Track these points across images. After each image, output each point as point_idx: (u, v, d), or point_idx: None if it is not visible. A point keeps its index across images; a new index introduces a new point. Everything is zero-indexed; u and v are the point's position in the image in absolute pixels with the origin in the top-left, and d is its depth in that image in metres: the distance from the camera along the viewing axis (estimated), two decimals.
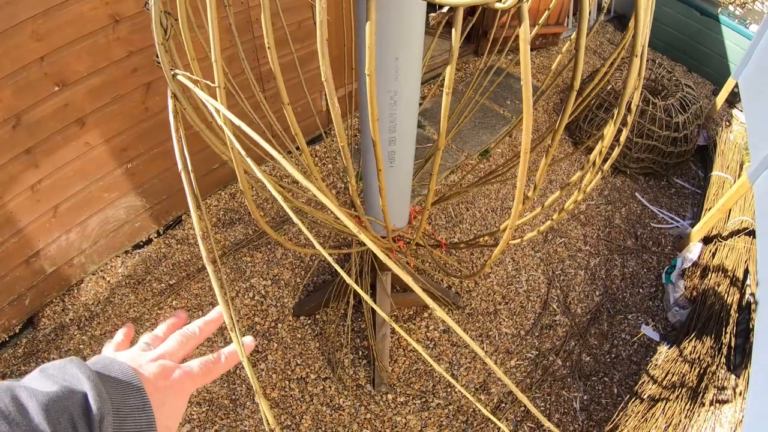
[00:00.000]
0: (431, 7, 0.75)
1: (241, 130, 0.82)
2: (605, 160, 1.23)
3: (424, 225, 1.22)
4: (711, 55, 5.26)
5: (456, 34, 0.70)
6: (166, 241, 3.31)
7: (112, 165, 2.81)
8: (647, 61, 4.31)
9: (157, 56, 1.09)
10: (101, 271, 3.13)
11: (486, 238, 1.66)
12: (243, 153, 0.80)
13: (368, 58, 0.71)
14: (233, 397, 2.69)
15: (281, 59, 3.15)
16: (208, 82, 0.92)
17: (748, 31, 4.84)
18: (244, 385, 2.72)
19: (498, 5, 0.68)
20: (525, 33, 0.69)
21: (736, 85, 4.13)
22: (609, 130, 1.09)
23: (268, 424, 0.75)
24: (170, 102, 1.02)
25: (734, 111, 4.93)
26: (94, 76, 2.48)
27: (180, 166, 0.91)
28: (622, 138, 1.24)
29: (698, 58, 5.42)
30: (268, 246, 3.31)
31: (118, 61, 2.53)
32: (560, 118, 0.91)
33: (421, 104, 4.09)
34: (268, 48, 0.79)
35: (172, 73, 1.04)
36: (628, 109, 1.23)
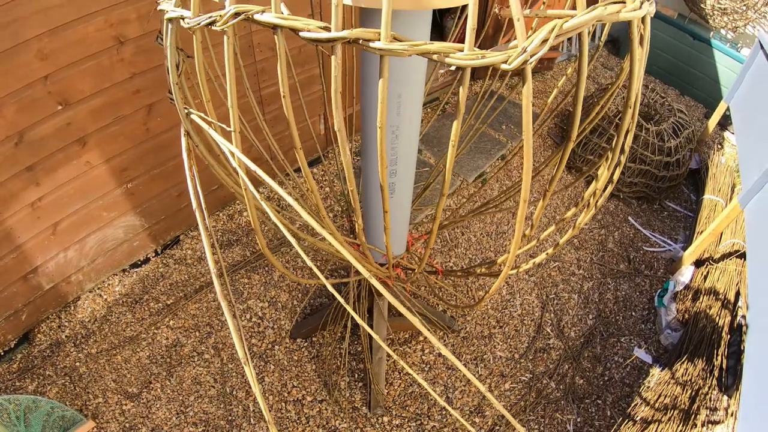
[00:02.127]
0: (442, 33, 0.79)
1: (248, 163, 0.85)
2: (599, 198, 1.27)
3: (426, 258, 1.25)
4: (703, 78, 5.34)
5: (463, 92, 0.74)
6: (164, 261, 3.32)
7: (112, 184, 2.84)
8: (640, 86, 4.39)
9: (171, 92, 1.13)
10: (98, 289, 3.14)
11: (482, 268, 1.69)
12: (258, 196, 0.83)
13: (380, 113, 0.75)
14: (229, 418, 2.70)
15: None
16: (223, 126, 0.95)
17: (739, 55, 4.93)
18: (240, 407, 2.73)
19: (504, 66, 0.72)
20: (528, 93, 0.73)
21: (728, 109, 4.19)
22: (603, 173, 1.13)
23: None
24: (183, 140, 1.05)
25: (726, 134, 5.00)
26: (96, 96, 2.52)
27: (194, 204, 0.95)
28: (616, 176, 1.28)
29: (690, 82, 5.51)
30: (266, 268, 3.33)
31: (120, 83, 2.57)
32: (557, 166, 0.95)
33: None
34: (283, 97, 0.83)
35: (186, 112, 1.08)
36: (622, 150, 1.28)
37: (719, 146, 4.84)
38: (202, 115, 1.02)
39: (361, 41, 0.69)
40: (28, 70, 2.23)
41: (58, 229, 2.74)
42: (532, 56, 0.70)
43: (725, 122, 4.92)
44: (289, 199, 0.72)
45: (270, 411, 2.72)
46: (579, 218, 1.22)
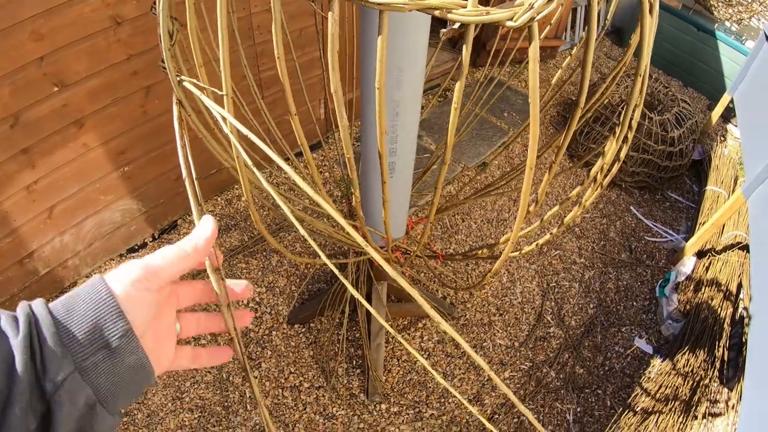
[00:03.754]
0: (441, 23, 0.75)
1: (245, 138, 0.82)
2: (606, 174, 1.24)
3: (425, 238, 1.22)
4: (707, 70, 5.30)
5: (467, 51, 0.71)
6: (161, 245, 3.27)
7: (109, 167, 2.80)
8: None
9: (163, 61, 1.09)
10: (95, 273, 3.10)
11: (483, 250, 1.66)
12: (249, 162, 0.80)
13: (379, 73, 0.71)
14: (226, 404, 2.67)
15: None
16: (215, 90, 0.91)
17: (744, 47, 4.88)
18: (237, 392, 2.71)
19: (509, 23, 0.69)
20: (534, 52, 0.70)
21: (732, 101, 4.16)
22: (611, 147, 1.09)
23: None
24: (175, 109, 1.02)
25: (729, 126, 4.96)
26: (93, 77, 2.47)
27: (184, 173, 0.91)
28: (623, 154, 1.25)
29: (694, 74, 5.47)
30: (264, 253, 3.30)
31: (117, 64, 2.52)
32: (565, 133, 0.92)
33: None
34: (278, 58, 0.79)
35: (178, 79, 1.04)
36: (630, 126, 1.24)
37: (722, 138, 4.80)
38: (195, 81, 0.99)
39: None
40: (23, 51, 2.19)
41: (54, 212, 2.71)
42: (538, 13, 0.66)
43: (728, 114, 4.88)
44: (283, 165, 0.69)
45: (267, 397, 2.70)
46: (585, 195, 1.19)
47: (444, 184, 3.82)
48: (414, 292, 0.66)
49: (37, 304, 0.51)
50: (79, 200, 2.78)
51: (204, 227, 0.67)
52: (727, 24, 5.12)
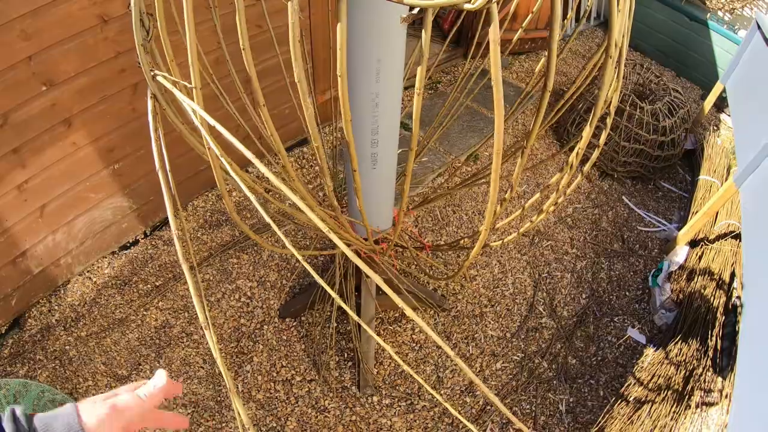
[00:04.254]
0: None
1: (219, 132, 0.83)
2: (585, 162, 1.24)
3: (402, 224, 1.23)
4: (699, 60, 5.29)
5: (426, 36, 0.71)
6: (153, 242, 3.30)
7: (99, 165, 2.81)
8: (635, 65, 4.34)
9: (138, 56, 1.10)
10: (88, 271, 3.12)
11: (466, 239, 1.67)
12: (218, 152, 0.80)
13: (339, 60, 0.72)
14: (218, 398, 2.69)
15: (269, 61, 3.14)
16: (186, 84, 0.92)
17: (736, 37, 4.87)
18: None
19: (467, 6, 0.69)
20: (495, 33, 0.70)
21: (724, 90, 4.15)
22: (586, 131, 1.10)
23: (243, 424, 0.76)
24: (150, 102, 1.03)
25: (722, 115, 4.96)
26: (81, 76, 2.48)
27: (158, 165, 0.92)
28: (601, 140, 1.25)
29: (687, 63, 5.46)
30: (255, 248, 3.30)
31: (105, 62, 2.53)
32: (535, 118, 0.92)
33: (405, 107, 4.10)
34: (243, 50, 0.80)
35: (152, 74, 1.05)
36: (608, 111, 1.25)
37: (715, 128, 4.80)
38: (167, 75, 1.00)
39: None
40: (12, 50, 2.19)
41: (45, 211, 2.72)
42: None
43: (721, 104, 4.87)
44: (247, 153, 0.69)
45: (259, 391, 2.71)
46: (562, 182, 1.20)
47: (434, 176, 3.84)
48: (385, 287, 0.67)
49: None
50: (70, 198, 2.79)
51: (157, 380, 0.85)
52: (720, 14, 5.11)
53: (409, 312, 0.74)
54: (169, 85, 0.95)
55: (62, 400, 2.50)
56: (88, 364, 2.77)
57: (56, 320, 2.92)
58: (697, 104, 5.05)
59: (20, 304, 2.87)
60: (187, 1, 0.83)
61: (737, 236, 3.27)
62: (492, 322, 3.09)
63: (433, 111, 4.27)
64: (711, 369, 2.78)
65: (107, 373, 2.75)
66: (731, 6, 5.08)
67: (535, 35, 5.19)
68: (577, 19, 5.51)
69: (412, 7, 0.71)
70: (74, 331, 2.88)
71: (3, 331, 2.84)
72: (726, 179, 3.83)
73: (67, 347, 2.82)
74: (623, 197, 3.99)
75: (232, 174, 0.76)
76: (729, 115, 4.66)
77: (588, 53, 5.59)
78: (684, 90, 5.22)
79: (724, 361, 2.80)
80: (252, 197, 0.74)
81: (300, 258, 0.79)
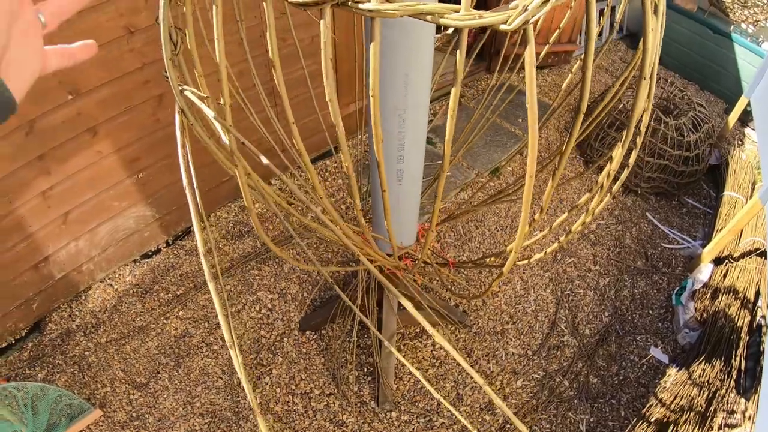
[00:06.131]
0: (438, 28, 0.74)
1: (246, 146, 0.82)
2: (615, 180, 1.22)
3: (430, 245, 1.21)
4: (723, 73, 5.23)
5: (461, 57, 0.70)
6: (175, 252, 3.32)
7: (123, 174, 2.83)
8: (659, 80, 4.29)
9: (166, 71, 1.10)
10: (109, 278, 3.14)
11: (493, 258, 1.65)
12: (249, 169, 0.80)
13: (372, 80, 0.71)
14: (236, 409, 2.68)
15: (293, 74, 3.14)
16: (216, 99, 0.92)
17: (760, 49, 4.81)
18: (247, 399, 2.71)
19: (503, 27, 0.68)
20: (531, 56, 0.69)
21: (749, 104, 4.09)
22: (617, 152, 1.08)
23: None
24: (177, 117, 1.02)
25: (746, 130, 4.89)
26: (107, 86, 2.51)
27: (185, 181, 0.91)
28: (632, 159, 1.23)
29: (710, 76, 5.39)
30: (276, 260, 3.31)
31: (130, 73, 2.55)
32: (567, 141, 0.90)
33: (431, 121, 4.09)
34: (273, 68, 0.79)
35: (180, 88, 1.05)
36: (638, 130, 1.22)
37: (740, 142, 4.73)
38: (196, 90, 0.99)
39: (350, 2, 0.65)
40: None
41: (69, 218, 2.74)
42: (533, 16, 0.65)
43: (746, 118, 4.80)
44: (277, 171, 0.68)
45: (277, 404, 2.70)
46: (592, 203, 1.17)
47: (457, 191, 3.82)
48: (408, 304, 0.65)
49: None
50: (94, 206, 2.81)
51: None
52: (743, 26, 5.05)
53: (430, 329, 0.73)
54: (197, 101, 0.95)
55: (80, 404, 2.52)
56: (106, 371, 2.78)
57: (76, 326, 2.94)
58: (721, 118, 4.98)
59: (41, 308, 2.90)
60: (218, 19, 0.83)
61: (763, 254, 3.21)
62: (513, 339, 3.05)
63: (457, 126, 4.25)
64: (734, 390, 2.71)
65: (125, 380, 2.75)
66: (755, 18, 5.01)
67: (557, 49, 5.16)
68: (600, 33, 5.48)
69: (446, 27, 0.69)
70: (94, 337, 2.90)
71: (23, 335, 2.86)
72: (751, 195, 3.76)
73: (87, 353, 2.84)
74: (647, 213, 3.94)
75: (261, 191, 0.75)
76: (754, 129, 4.59)
77: (611, 67, 5.55)
78: (708, 103, 5.15)
79: (748, 382, 2.73)
80: (280, 215, 0.73)
81: (324, 273, 0.78)
